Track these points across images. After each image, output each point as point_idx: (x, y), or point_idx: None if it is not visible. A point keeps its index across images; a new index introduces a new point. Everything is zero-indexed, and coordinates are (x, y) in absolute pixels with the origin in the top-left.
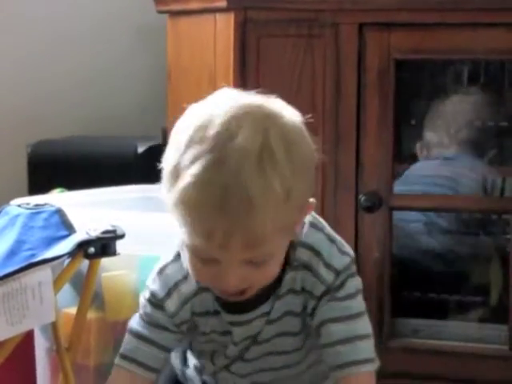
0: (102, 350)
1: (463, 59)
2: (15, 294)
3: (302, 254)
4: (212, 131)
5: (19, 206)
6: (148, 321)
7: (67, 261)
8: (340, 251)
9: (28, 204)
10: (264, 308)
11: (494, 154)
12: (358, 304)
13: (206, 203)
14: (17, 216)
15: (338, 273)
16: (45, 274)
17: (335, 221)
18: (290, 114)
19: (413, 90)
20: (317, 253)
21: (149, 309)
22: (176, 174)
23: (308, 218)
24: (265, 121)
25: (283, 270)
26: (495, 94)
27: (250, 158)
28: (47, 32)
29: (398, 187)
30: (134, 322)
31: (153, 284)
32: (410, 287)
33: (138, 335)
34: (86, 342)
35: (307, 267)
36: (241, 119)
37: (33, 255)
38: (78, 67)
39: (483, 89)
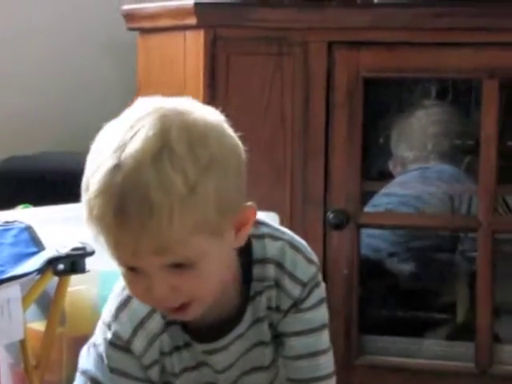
0: (63, 365)
1: (430, 78)
2: None
3: (269, 270)
4: (114, 138)
5: None
6: (112, 367)
7: (36, 277)
8: (307, 259)
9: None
10: (239, 329)
11: (462, 170)
12: (322, 315)
13: (108, 211)
14: None
15: (304, 285)
16: (14, 291)
17: (303, 237)
18: (203, 112)
19: (381, 108)
20: (280, 265)
21: (112, 353)
22: (85, 187)
23: (265, 231)
24: (167, 119)
25: (247, 287)
26: (462, 111)
27: (146, 158)
28: (18, 49)
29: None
30: (91, 364)
31: (114, 322)
32: (378, 304)
33: (97, 383)
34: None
35: (277, 283)
36: (142, 121)
37: (2, 272)
38: (49, 84)
39: (450, 106)
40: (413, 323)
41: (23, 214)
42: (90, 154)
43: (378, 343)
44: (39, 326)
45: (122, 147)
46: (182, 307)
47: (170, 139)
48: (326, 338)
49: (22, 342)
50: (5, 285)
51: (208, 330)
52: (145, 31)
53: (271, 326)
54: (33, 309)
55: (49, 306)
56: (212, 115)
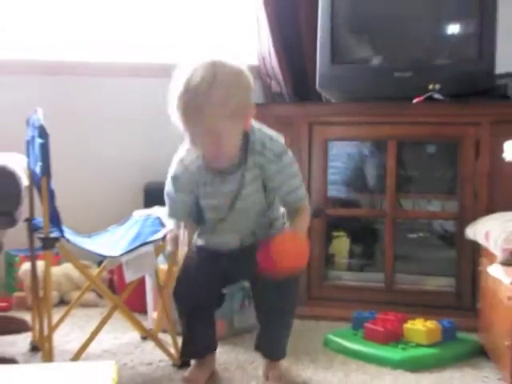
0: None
1: (364, 140)
2: (137, 258)
3: (257, 146)
4: (185, 76)
5: (140, 216)
6: (174, 187)
7: (161, 242)
8: (275, 140)
9: (144, 214)
10: (237, 175)
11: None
12: (296, 169)
13: (181, 109)
14: (137, 220)
15: (278, 152)
16: (150, 248)
17: None
18: (234, 66)
19: (338, 155)
20: (263, 144)
21: (171, 181)
22: (172, 96)
23: (257, 126)
24: (214, 68)
25: (246, 155)
26: (380, 157)
27: (203, 85)
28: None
29: None
30: (168, 189)
31: (171, 168)
32: (340, 254)
33: (171, 197)
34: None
35: (261, 153)
36: (200, 68)
37: (145, 238)
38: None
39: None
40: (356, 264)
41: (156, 211)
42: (174, 81)
43: (339, 274)
44: (163, 266)
45: (190, 78)
46: (214, 159)
47: (216, 77)
48: (298, 179)
49: (156, 273)
50: (146, 245)
51: (219, 173)
52: None
53: (257, 178)
54: (160, 257)
55: (168, 256)
56: (237, 67)
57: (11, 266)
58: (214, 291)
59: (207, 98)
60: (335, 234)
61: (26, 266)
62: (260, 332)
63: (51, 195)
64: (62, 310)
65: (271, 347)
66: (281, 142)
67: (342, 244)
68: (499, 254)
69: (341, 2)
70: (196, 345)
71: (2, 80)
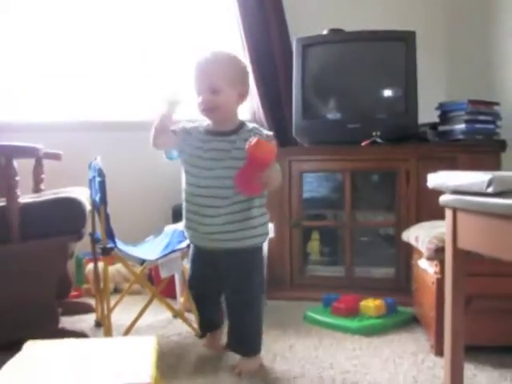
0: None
1: (330, 171)
2: (169, 261)
3: (252, 128)
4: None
5: (170, 230)
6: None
7: (185, 249)
8: (265, 131)
9: (173, 229)
10: (231, 139)
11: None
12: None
13: (196, 68)
14: (168, 233)
15: (270, 135)
16: (177, 254)
17: (281, 230)
18: (239, 57)
19: (311, 183)
20: (257, 128)
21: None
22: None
23: (253, 125)
24: (217, 52)
25: (239, 129)
26: (339, 183)
27: (210, 55)
28: None
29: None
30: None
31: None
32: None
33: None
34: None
35: (256, 133)
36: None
37: (174, 247)
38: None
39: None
40: (325, 260)
41: (181, 226)
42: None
43: (313, 267)
44: (187, 266)
45: (202, 56)
46: (212, 111)
47: (219, 54)
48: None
49: (182, 272)
50: (175, 252)
51: (216, 132)
52: None
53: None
54: (185, 261)
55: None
56: (238, 57)
57: (80, 265)
58: (215, 282)
59: (213, 60)
60: (310, 238)
61: (90, 266)
62: (229, 330)
63: (107, 217)
64: (116, 297)
65: (241, 345)
66: (270, 132)
67: (314, 246)
68: (425, 252)
69: (309, 75)
70: (205, 323)
71: (71, 136)
